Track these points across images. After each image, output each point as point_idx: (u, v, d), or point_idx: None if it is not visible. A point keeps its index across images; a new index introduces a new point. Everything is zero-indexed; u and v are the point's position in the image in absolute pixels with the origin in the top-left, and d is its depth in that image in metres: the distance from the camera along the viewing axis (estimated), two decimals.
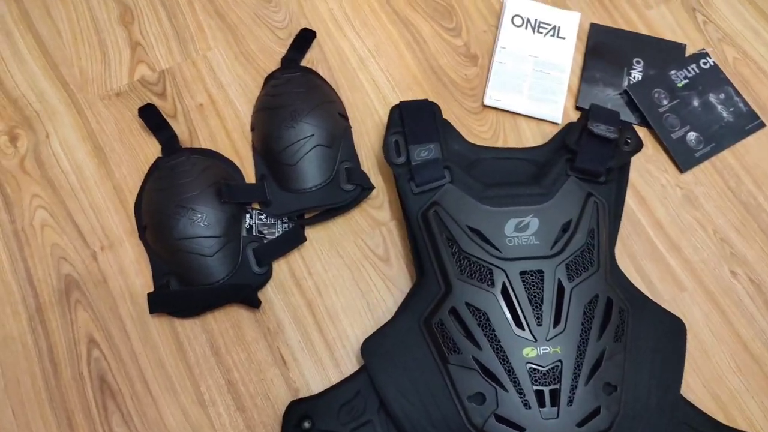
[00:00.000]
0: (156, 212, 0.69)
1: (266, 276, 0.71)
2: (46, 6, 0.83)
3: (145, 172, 0.74)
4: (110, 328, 0.68)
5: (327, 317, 0.70)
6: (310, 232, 0.74)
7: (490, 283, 0.62)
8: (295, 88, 0.75)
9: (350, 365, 0.68)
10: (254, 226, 0.72)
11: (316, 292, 0.71)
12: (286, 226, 0.73)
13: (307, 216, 0.74)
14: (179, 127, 0.78)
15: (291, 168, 0.72)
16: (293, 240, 0.72)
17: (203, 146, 0.77)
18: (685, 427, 0.63)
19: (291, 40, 0.82)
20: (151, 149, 0.76)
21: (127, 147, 0.76)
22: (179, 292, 0.68)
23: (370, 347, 0.64)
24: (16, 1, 0.83)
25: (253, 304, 0.68)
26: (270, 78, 0.79)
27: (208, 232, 0.68)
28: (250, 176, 0.76)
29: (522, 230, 0.65)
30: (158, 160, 0.74)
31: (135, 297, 0.69)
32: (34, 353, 0.67)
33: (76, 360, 0.67)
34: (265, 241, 0.72)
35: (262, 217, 0.73)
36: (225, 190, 0.70)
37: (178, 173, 0.71)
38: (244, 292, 0.68)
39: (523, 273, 0.63)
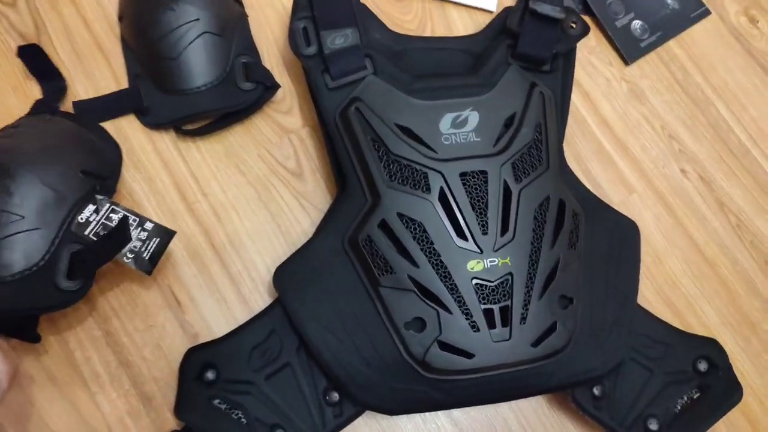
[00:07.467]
0: None
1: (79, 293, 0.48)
2: None
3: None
4: None
5: (229, 246, 0.58)
6: (201, 144, 0.60)
7: (425, 188, 0.52)
8: None
9: (261, 301, 0.57)
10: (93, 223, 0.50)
11: (213, 217, 0.58)
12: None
13: (194, 126, 0.60)
14: (21, 18, 0.60)
15: (172, 62, 0.57)
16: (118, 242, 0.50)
17: (55, 43, 0.60)
18: (643, 339, 0.57)
19: None
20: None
21: None
22: None
23: (284, 275, 0.53)
24: None
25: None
26: None
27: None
28: (121, 80, 0.60)
29: (460, 126, 0.55)
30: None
31: None
32: None
33: None
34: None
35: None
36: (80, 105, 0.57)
37: None
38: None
39: (463, 175, 0.52)
